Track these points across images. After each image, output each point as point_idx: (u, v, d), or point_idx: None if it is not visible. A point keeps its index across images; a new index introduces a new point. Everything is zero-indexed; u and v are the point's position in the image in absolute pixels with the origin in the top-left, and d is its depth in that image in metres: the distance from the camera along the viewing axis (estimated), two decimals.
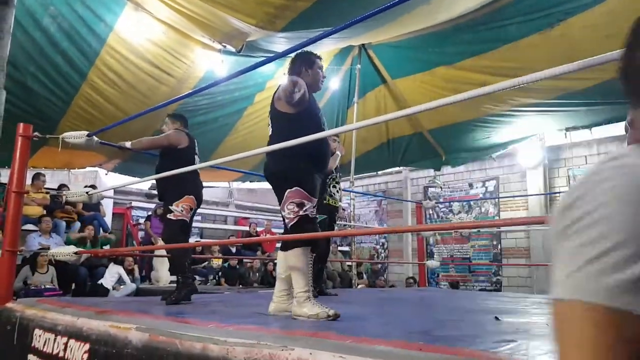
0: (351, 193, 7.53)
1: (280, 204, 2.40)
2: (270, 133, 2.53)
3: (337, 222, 4.86)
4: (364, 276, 9.98)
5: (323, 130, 2.47)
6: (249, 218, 10.36)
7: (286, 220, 2.39)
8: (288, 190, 2.35)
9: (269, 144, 2.46)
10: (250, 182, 9.56)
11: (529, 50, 5.57)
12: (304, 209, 2.33)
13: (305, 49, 2.54)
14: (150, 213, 8.18)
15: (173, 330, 1.84)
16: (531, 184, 8.75)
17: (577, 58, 1.51)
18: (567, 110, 6.48)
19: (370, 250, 11.61)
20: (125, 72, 5.32)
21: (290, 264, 2.33)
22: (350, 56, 6.95)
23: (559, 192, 8.46)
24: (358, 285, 7.97)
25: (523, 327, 2.02)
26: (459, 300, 4.13)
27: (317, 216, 2.40)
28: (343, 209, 7.68)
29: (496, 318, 2.37)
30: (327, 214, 4.09)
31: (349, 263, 8.85)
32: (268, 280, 7.96)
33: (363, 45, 6.74)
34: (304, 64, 2.62)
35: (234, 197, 11.08)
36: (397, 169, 10.30)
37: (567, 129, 6.99)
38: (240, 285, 7.69)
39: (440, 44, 6.16)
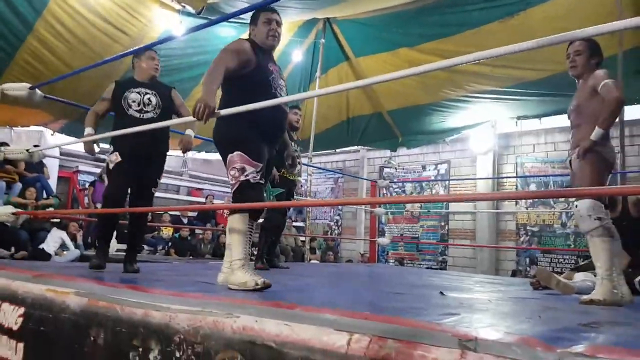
0: (309, 169, 7.52)
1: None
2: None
3: (295, 197, 4.83)
4: (317, 252, 10.10)
5: (274, 94, 2.34)
6: (203, 189, 10.16)
7: (230, 186, 2.33)
8: (230, 155, 2.26)
9: (218, 107, 2.34)
10: (207, 152, 9.32)
11: (489, 37, 5.67)
12: (245, 174, 2.24)
13: None
14: (96, 178, 7.84)
15: (113, 295, 1.77)
16: (481, 168, 9.07)
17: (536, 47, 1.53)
18: (519, 99, 6.69)
19: (325, 227, 11.73)
20: (76, 27, 5.02)
21: (228, 230, 2.26)
22: (315, 29, 6.84)
23: (507, 177, 8.83)
24: (310, 259, 8.04)
25: (467, 302, 2.10)
26: (407, 276, 4.26)
27: (261, 182, 2.29)
28: (301, 185, 7.68)
29: (441, 293, 2.46)
30: (286, 188, 4.05)
31: (303, 238, 8.90)
32: (220, 252, 7.88)
33: (328, 19, 6.64)
34: (250, 22, 2.46)
35: (187, 167, 10.81)
36: (354, 147, 10.37)
37: (519, 118, 7.24)
38: (191, 257, 7.57)
39: (405, 25, 6.16)
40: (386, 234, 10.20)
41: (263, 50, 2.41)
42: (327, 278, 3.48)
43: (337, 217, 11.50)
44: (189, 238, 8.04)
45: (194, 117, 2.08)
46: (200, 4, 4.73)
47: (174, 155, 10.28)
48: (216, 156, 10.51)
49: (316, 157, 9.17)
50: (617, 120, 4.69)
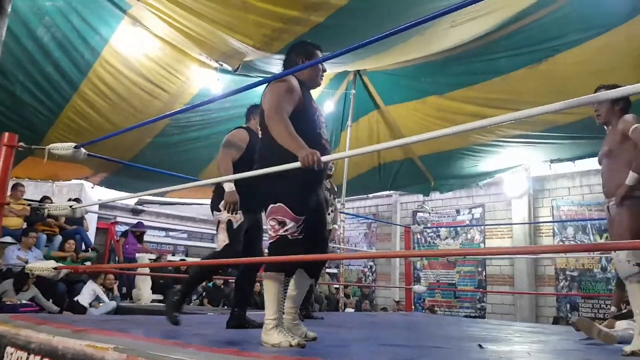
0: (341, 214, 7.52)
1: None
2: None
3: (330, 246, 4.82)
4: (351, 298, 9.91)
5: (319, 134, 2.29)
6: None
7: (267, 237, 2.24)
8: (271, 205, 2.18)
9: (259, 151, 2.33)
10: None
11: (518, 83, 5.71)
12: (285, 228, 2.14)
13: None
14: (129, 229, 8.06)
15: (152, 351, 1.79)
16: (516, 212, 8.85)
17: (564, 91, 1.56)
18: (552, 143, 6.61)
19: (358, 273, 11.54)
20: (118, 85, 5.29)
21: (264, 288, 2.19)
22: (345, 81, 7.06)
23: (543, 222, 8.57)
24: (345, 308, 7.89)
25: (506, 355, 2.02)
26: (445, 327, 4.11)
27: (299, 239, 2.19)
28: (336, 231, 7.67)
29: (480, 346, 2.38)
30: None
31: (337, 286, 8.77)
32: (255, 301, 7.84)
33: (358, 71, 6.85)
34: (300, 54, 2.39)
35: None
36: (387, 192, 10.35)
37: (552, 161, 7.12)
38: (225, 307, 7.55)
39: (433, 74, 6.28)
40: (422, 280, 9.95)
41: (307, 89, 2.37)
42: (363, 330, 3.40)
43: (371, 264, 11.31)
44: (222, 287, 8.05)
45: (305, 166, 2.00)
46: (237, 63, 4.98)
47: (207, 204, 10.51)
48: None
49: (349, 202, 9.21)
50: None
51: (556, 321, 7.77)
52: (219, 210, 2.98)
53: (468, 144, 7.09)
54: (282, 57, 2.57)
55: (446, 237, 10.00)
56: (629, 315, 3.13)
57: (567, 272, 8.25)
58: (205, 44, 4.77)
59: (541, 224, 8.63)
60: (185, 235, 10.57)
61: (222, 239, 2.95)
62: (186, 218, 10.52)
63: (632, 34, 4.85)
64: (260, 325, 2.89)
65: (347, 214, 7.70)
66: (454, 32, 5.17)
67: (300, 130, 2.13)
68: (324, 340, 2.39)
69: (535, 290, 8.45)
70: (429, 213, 10.35)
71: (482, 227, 9.40)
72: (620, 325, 3.04)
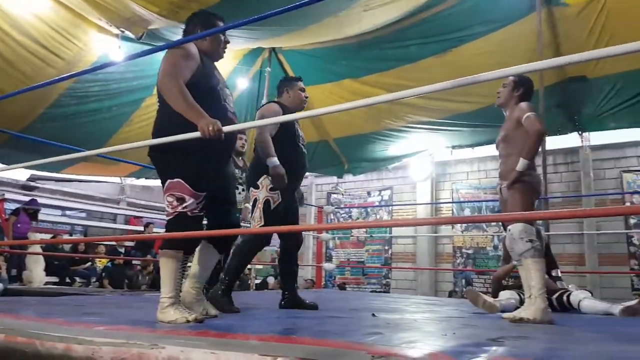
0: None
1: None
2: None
3: (241, 224, 4.69)
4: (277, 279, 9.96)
5: (224, 106, 2.19)
6: (142, 217, 9.79)
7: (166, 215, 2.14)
8: (169, 180, 2.08)
9: (154, 123, 2.19)
10: (146, 178, 9.05)
11: (426, 71, 6.04)
12: (184, 205, 2.05)
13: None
14: (20, 206, 7.39)
15: (33, 330, 1.68)
16: (420, 194, 9.43)
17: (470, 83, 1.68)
18: (453, 130, 7.10)
19: (272, 254, 11.61)
20: (4, 48, 4.76)
21: (160, 265, 2.12)
22: (260, 58, 6.95)
23: (444, 202, 9.23)
24: (254, 287, 7.89)
25: (394, 322, 2.17)
26: (349, 301, 4.30)
27: (200, 215, 2.12)
28: (249, 212, 7.55)
29: (373, 314, 2.54)
30: None
31: (249, 266, 8.74)
32: (159, 283, 7.59)
33: (274, 48, 6.77)
34: (198, 25, 2.28)
35: (126, 194, 10.41)
36: None
37: (453, 147, 7.67)
38: (128, 289, 7.23)
39: (348, 57, 6.43)
40: (334, 259, 10.26)
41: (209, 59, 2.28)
42: (269, 306, 3.44)
43: None
44: (124, 267, 7.69)
45: (205, 136, 1.90)
46: (141, 30, 4.68)
47: (110, 182, 9.91)
48: (156, 183, 10.25)
49: None
50: (540, 150, 5.11)
51: (451, 295, 8.45)
52: (257, 187, 2.90)
53: (379, 128, 7.40)
54: None
55: (357, 218, 10.39)
56: (512, 287, 3.50)
57: (464, 250, 8.97)
58: (105, 9, 4.43)
59: (442, 205, 9.27)
60: (83, 215, 9.87)
61: (257, 219, 2.88)
62: (84, 196, 9.82)
63: (527, 30, 5.31)
64: (313, 307, 2.97)
65: None
66: (367, 17, 5.31)
67: (201, 101, 2.02)
68: (225, 317, 2.39)
69: (435, 267, 9.09)
70: (342, 194, 10.66)
71: (390, 208, 9.89)
72: (504, 294, 3.38)
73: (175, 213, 2.07)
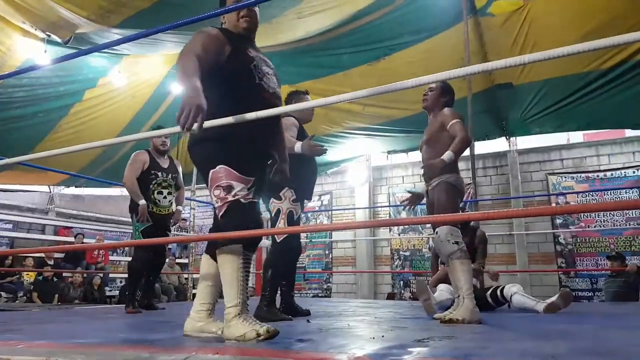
0: (192, 202, 7.34)
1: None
2: None
3: (175, 233, 4.52)
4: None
5: (259, 85, 1.99)
6: (71, 227, 9.30)
7: (216, 211, 1.90)
8: (212, 171, 1.84)
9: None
10: (77, 186, 8.63)
11: (359, 79, 6.23)
12: (233, 192, 1.80)
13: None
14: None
15: None
16: (359, 198, 9.68)
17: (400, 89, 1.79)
18: (388, 136, 7.39)
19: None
20: None
21: (220, 269, 1.83)
22: None
23: (381, 206, 9.52)
24: (193, 298, 7.74)
25: (326, 327, 2.25)
26: None
27: (255, 201, 1.89)
28: (184, 219, 7.37)
29: (307, 321, 2.60)
30: (155, 223, 3.90)
31: (186, 276, 8.55)
32: (93, 296, 7.25)
33: None
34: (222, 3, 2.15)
35: (55, 204, 9.85)
36: None
37: (389, 152, 7.96)
38: (59, 302, 6.85)
39: (283, 64, 6.46)
40: None
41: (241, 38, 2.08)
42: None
43: None
44: (55, 280, 7.28)
45: (179, 124, 1.57)
46: (68, 34, 4.50)
47: (38, 191, 9.35)
48: (87, 191, 9.79)
49: (200, 190, 9.00)
50: (469, 154, 5.43)
51: (390, 297, 8.71)
52: (279, 199, 3.00)
53: (317, 134, 7.47)
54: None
55: None
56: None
57: (401, 252, 9.28)
58: (28, 12, 4.22)
59: (379, 208, 9.56)
60: (10, 226, 9.24)
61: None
62: (11, 206, 9.20)
63: (455, 39, 5.57)
64: (305, 313, 3.04)
65: (199, 201, 7.54)
66: (301, 24, 5.42)
67: (230, 82, 1.90)
68: (156, 329, 2.36)
69: (374, 270, 9.33)
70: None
71: (330, 212, 10.06)
72: (441, 287, 3.54)
73: (227, 204, 1.81)
